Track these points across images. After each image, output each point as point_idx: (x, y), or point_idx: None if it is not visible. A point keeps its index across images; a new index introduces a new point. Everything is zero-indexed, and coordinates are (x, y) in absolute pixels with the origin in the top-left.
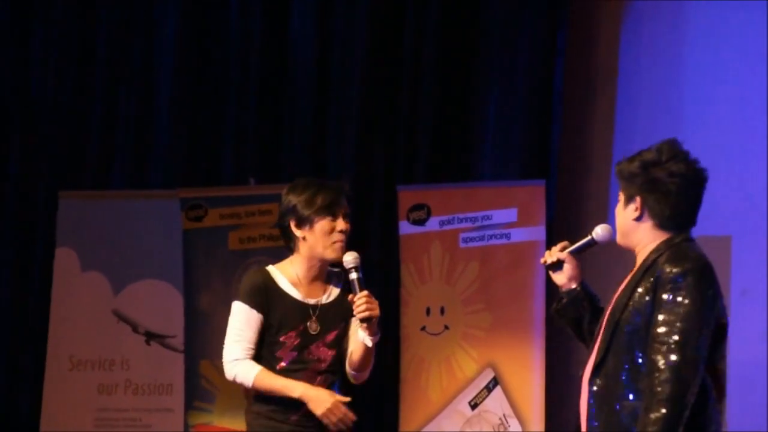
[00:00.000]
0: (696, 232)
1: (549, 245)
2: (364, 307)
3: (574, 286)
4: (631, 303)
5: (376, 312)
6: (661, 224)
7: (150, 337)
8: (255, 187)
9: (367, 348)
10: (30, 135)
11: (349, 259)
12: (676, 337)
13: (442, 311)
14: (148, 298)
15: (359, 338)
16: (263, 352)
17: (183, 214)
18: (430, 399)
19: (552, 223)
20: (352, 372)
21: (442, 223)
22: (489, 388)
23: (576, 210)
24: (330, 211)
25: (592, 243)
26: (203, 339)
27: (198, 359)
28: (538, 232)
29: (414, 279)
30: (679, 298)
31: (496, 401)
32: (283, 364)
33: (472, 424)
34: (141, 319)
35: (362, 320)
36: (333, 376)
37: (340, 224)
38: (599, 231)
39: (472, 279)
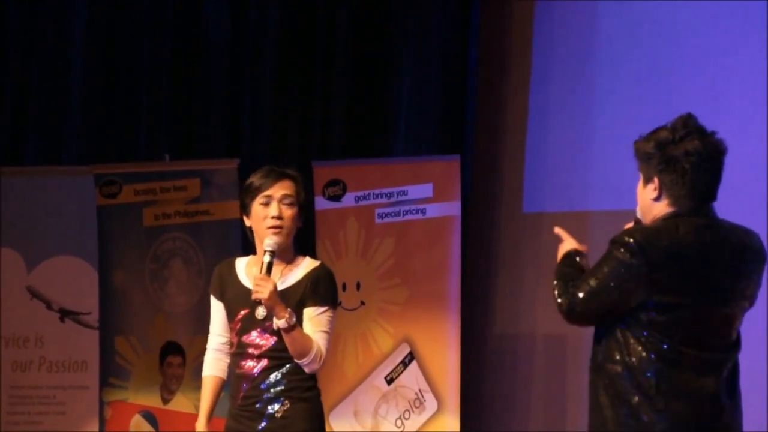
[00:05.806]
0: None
1: (464, 221)
2: (255, 289)
3: None
4: None
5: (262, 295)
6: (676, 203)
7: (64, 314)
8: (170, 164)
9: (283, 331)
10: None
11: (269, 242)
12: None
13: (358, 287)
14: (62, 275)
15: None
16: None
17: (97, 190)
18: (346, 374)
19: (467, 198)
20: (295, 360)
21: (357, 199)
22: (405, 363)
23: (491, 185)
24: (259, 193)
25: None
26: (118, 316)
27: (113, 336)
28: (454, 208)
29: (330, 255)
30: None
31: (412, 376)
32: (233, 349)
33: (388, 399)
34: (55, 296)
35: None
36: (272, 361)
37: (273, 210)
38: None
39: (387, 254)
